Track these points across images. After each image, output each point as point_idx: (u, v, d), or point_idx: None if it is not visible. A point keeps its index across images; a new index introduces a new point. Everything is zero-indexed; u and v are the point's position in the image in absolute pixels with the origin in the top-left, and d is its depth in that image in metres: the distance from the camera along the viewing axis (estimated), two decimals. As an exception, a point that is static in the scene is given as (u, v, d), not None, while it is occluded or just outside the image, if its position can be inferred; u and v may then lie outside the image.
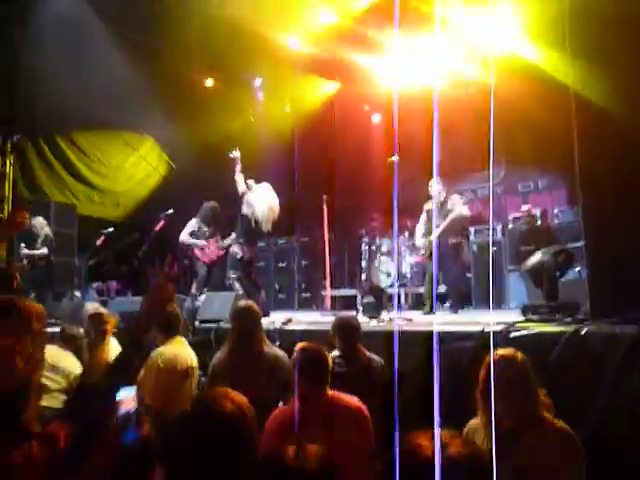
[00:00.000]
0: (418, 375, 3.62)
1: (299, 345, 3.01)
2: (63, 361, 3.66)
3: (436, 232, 6.47)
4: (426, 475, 1.11)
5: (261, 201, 6.61)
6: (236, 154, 6.70)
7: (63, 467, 1.49)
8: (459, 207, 6.53)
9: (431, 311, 6.41)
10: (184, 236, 7.03)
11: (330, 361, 2.97)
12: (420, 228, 6.94)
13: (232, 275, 6.53)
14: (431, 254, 6.63)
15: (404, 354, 3.95)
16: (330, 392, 2.84)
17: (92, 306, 4.58)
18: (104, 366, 1.93)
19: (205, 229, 7.04)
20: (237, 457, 1.34)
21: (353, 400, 2.85)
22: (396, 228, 7.98)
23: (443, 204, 6.66)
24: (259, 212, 6.55)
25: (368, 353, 3.66)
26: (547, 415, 2.37)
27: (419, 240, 6.92)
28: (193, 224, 7.06)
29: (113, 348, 3.13)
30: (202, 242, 6.96)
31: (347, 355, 3.59)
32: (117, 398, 1.73)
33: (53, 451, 1.52)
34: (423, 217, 6.96)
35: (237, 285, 6.44)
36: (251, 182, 6.79)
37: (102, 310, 4.06)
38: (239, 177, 6.66)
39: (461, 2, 7.01)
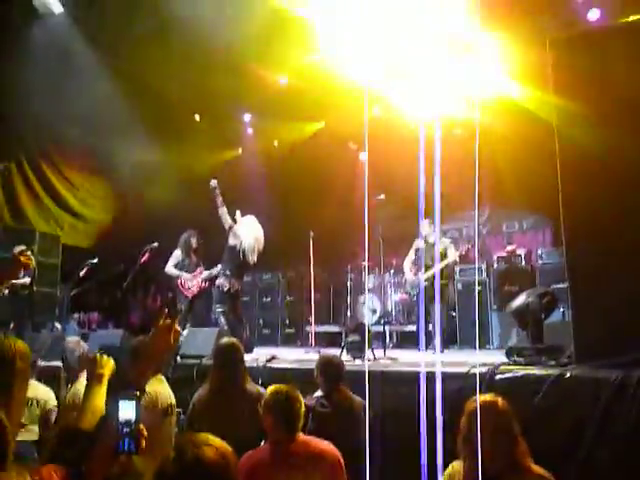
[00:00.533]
0: (401, 416, 3.60)
1: (271, 388, 2.94)
2: (38, 392, 3.58)
3: (428, 274, 6.70)
4: None
5: (247, 232, 6.57)
6: (214, 183, 6.51)
7: None
8: (451, 252, 6.82)
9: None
10: (169, 267, 6.96)
11: (305, 402, 2.93)
12: (408, 265, 7.14)
13: (218, 309, 6.43)
14: (419, 293, 6.96)
15: (389, 394, 3.92)
16: (302, 436, 2.78)
17: (73, 340, 4.49)
18: (98, 415, 1.88)
19: (187, 261, 6.98)
20: None
21: (325, 444, 2.79)
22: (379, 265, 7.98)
23: (433, 245, 6.90)
24: (246, 243, 6.52)
25: (350, 394, 3.62)
26: (527, 462, 2.34)
27: (409, 276, 7.12)
28: (177, 255, 7.01)
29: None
30: (186, 275, 6.89)
31: (330, 395, 3.54)
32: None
33: None
34: (411, 254, 7.17)
35: (222, 319, 6.36)
36: (237, 214, 6.78)
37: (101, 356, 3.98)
38: (222, 210, 6.53)
39: (446, 45, 7.18)
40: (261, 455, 2.74)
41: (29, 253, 2.99)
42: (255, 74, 8.32)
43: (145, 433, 1.70)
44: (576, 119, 3.98)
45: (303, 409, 2.85)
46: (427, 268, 6.74)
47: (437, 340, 6.74)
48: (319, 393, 3.57)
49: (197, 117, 9.94)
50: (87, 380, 2.09)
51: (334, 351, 5.19)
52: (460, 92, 8.01)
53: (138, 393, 1.74)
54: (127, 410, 1.72)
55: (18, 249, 7.55)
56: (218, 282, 6.56)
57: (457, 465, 2.50)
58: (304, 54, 8.30)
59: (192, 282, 6.87)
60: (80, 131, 8.53)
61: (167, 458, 1.37)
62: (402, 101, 8.46)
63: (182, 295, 6.91)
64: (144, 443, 1.67)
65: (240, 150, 11.07)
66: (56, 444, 1.71)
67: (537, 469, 2.33)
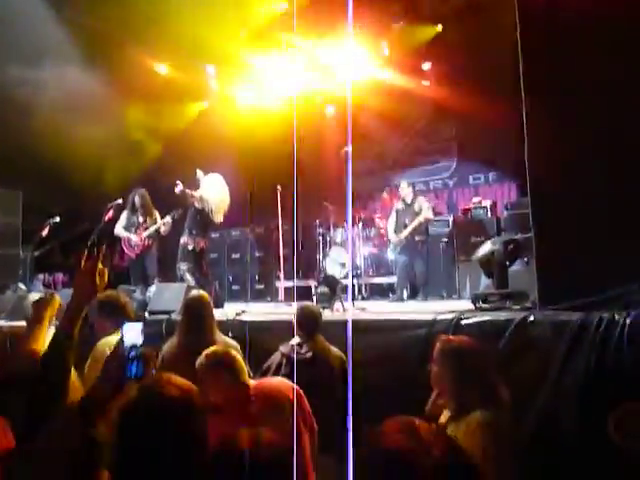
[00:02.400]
0: (373, 364, 3.66)
1: (209, 349, 2.85)
2: None
3: (405, 232, 7.31)
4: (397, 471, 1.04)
5: (214, 195, 6.51)
6: (179, 187, 6.42)
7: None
8: (426, 211, 7.32)
9: (401, 299, 7.20)
10: (117, 229, 6.85)
11: (281, 349, 2.93)
12: (391, 225, 7.65)
13: (183, 267, 6.40)
14: (402, 250, 7.40)
15: (357, 344, 3.96)
16: (253, 381, 2.76)
17: (35, 296, 4.40)
18: (35, 355, 1.84)
19: (134, 219, 6.86)
20: (187, 443, 1.30)
21: (277, 384, 2.78)
22: (349, 218, 8.03)
23: (410, 205, 7.46)
24: (213, 205, 6.46)
25: (327, 343, 3.65)
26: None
27: (392, 237, 7.59)
28: (125, 215, 6.90)
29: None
30: (130, 235, 6.77)
31: (306, 342, 3.58)
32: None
33: None
34: (393, 216, 7.69)
35: (188, 276, 6.32)
36: (200, 173, 6.67)
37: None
38: (184, 193, 6.47)
39: None
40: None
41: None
42: (219, 27, 8.08)
43: (153, 356, 1.68)
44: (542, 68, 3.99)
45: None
46: (405, 227, 7.34)
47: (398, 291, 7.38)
48: (296, 340, 3.59)
49: (162, 69, 9.62)
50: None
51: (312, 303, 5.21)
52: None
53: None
54: (132, 334, 1.70)
55: None
56: (182, 241, 6.52)
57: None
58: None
59: (136, 240, 6.77)
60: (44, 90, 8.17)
61: (132, 396, 1.36)
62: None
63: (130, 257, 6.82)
64: (152, 366, 1.66)
65: (205, 104, 10.81)
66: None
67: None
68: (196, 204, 6.49)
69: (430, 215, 7.44)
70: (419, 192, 10.18)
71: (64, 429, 1.52)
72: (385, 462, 1.07)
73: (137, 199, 6.83)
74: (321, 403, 2.85)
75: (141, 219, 6.84)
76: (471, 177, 9.88)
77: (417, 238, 7.31)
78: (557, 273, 3.81)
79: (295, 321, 3.70)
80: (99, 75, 8.35)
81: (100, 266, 1.85)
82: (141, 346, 1.70)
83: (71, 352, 1.70)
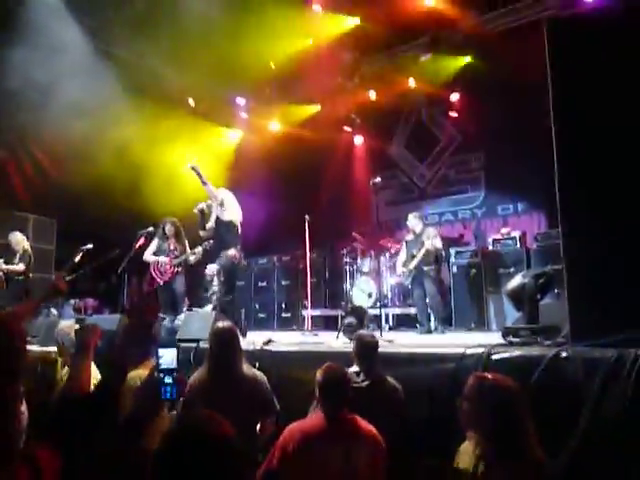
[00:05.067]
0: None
1: (324, 365, 3.09)
2: None
3: (412, 263, 7.22)
4: None
5: (237, 206, 6.63)
6: (191, 164, 6.46)
7: None
8: (429, 241, 7.09)
9: (429, 331, 7.10)
10: (146, 255, 6.98)
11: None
12: (401, 258, 7.58)
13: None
14: (413, 280, 7.30)
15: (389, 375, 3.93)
16: (350, 415, 2.93)
17: (66, 324, 4.47)
18: (87, 382, 1.88)
19: (165, 246, 6.97)
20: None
21: (372, 427, 2.93)
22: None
23: (419, 235, 7.32)
24: (239, 217, 6.58)
25: (382, 373, 3.67)
26: (533, 446, 2.30)
27: (399, 269, 7.55)
28: (155, 243, 7.03)
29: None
30: (162, 258, 6.87)
31: (364, 372, 3.60)
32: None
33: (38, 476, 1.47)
34: (403, 247, 7.64)
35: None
36: (212, 187, 6.71)
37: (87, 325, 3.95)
38: (208, 187, 6.51)
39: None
40: (313, 428, 2.89)
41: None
42: (248, 56, 8.26)
43: (184, 381, 1.72)
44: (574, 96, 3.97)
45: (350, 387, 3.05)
46: (413, 257, 7.24)
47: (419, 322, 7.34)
48: (355, 369, 3.62)
49: (191, 102, 9.85)
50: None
51: (331, 334, 5.20)
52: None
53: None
54: (167, 359, 1.74)
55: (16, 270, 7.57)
56: (230, 254, 6.47)
57: (467, 444, 2.48)
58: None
59: (165, 266, 6.86)
60: (72, 117, 8.41)
61: (169, 432, 1.36)
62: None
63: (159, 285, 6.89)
64: (186, 390, 1.70)
65: (235, 134, 11.00)
66: (53, 412, 1.71)
67: (539, 454, 2.28)
68: (225, 216, 6.52)
69: (437, 244, 7.22)
70: (446, 222, 10.19)
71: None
72: None
73: (168, 227, 6.95)
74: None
75: (172, 247, 6.94)
76: (500, 207, 9.79)
77: (425, 268, 7.16)
78: (589, 307, 3.72)
79: (353, 350, 3.75)
80: (132, 105, 8.58)
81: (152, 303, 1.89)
82: (176, 371, 1.73)
83: (122, 383, 1.74)
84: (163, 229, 6.99)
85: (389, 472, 2.88)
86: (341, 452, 2.78)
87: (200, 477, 1.28)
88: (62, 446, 1.61)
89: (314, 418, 3.00)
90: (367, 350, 3.72)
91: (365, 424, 2.93)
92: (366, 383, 3.52)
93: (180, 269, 6.88)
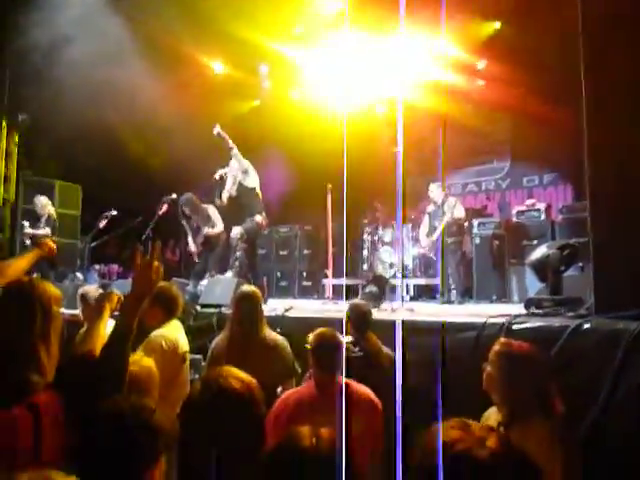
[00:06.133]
0: (421, 365, 3.63)
1: (316, 330, 3.03)
2: None
3: (435, 234, 7.26)
4: (468, 473, 1.02)
5: (255, 171, 6.71)
6: (217, 129, 6.50)
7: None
8: (451, 210, 7.13)
9: (450, 301, 7.14)
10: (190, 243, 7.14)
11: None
12: (424, 229, 7.61)
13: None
14: (436, 251, 7.36)
15: (405, 344, 3.95)
16: (345, 380, 2.82)
17: (90, 289, 4.56)
18: (98, 345, 1.92)
19: (192, 226, 7.07)
20: (246, 435, 1.33)
21: (366, 390, 2.88)
22: (400, 218, 7.99)
23: (440, 206, 7.31)
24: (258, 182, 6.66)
25: (379, 342, 3.67)
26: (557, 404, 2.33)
27: (423, 240, 7.58)
28: (187, 229, 7.18)
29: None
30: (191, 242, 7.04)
31: (359, 341, 3.60)
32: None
33: (36, 419, 1.52)
34: (425, 219, 7.66)
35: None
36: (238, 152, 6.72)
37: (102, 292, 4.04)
38: (235, 151, 6.54)
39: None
40: (301, 396, 2.83)
41: (51, 239, 3.03)
42: (273, 26, 8.17)
43: None
44: (605, 65, 3.85)
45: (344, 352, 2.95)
46: (435, 229, 7.27)
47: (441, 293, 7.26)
48: (349, 339, 3.62)
49: (215, 69, 9.79)
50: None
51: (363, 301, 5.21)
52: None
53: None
54: None
55: (41, 234, 7.68)
56: (257, 220, 6.59)
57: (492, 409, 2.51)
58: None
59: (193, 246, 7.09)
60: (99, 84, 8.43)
61: (195, 388, 1.40)
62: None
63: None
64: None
65: (257, 102, 10.93)
66: (58, 369, 1.76)
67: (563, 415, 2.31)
68: (249, 182, 6.61)
69: (459, 214, 7.22)
70: (470, 193, 10.08)
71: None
72: (439, 458, 1.05)
73: (186, 209, 6.95)
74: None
75: (196, 225, 7.02)
76: (525, 179, 9.66)
77: (449, 240, 7.17)
78: (615, 280, 3.69)
79: (348, 319, 3.72)
80: (156, 72, 8.56)
81: (156, 262, 1.90)
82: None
83: (129, 345, 1.77)
84: (183, 213, 7.01)
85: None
86: (333, 418, 2.75)
87: (222, 427, 1.32)
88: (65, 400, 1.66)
89: (307, 386, 2.95)
90: (362, 319, 3.74)
91: (360, 388, 2.86)
92: (362, 353, 3.52)
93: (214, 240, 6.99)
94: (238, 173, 6.59)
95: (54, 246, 2.95)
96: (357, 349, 3.54)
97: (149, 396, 1.86)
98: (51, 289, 1.88)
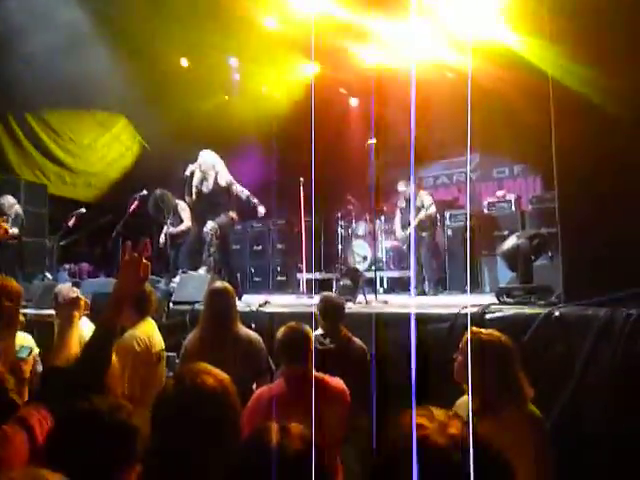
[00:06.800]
0: (394, 357, 3.65)
1: (285, 325, 3.00)
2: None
3: (409, 229, 7.46)
4: (426, 460, 1.03)
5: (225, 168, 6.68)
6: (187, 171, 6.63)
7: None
8: (424, 210, 7.29)
9: (423, 292, 7.30)
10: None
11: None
12: (398, 223, 7.78)
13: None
14: (409, 244, 7.56)
15: (380, 336, 3.97)
16: (314, 373, 2.82)
17: (65, 288, 4.46)
18: (72, 351, 1.87)
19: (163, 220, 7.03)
20: (220, 433, 1.32)
21: (338, 382, 2.86)
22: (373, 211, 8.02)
23: (412, 201, 7.44)
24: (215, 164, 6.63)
25: (350, 334, 3.66)
26: (526, 398, 2.35)
27: (399, 234, 7.77)
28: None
29: (85, 333, 3.04)
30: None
31: (329, 334, 3.59)
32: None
33: (28, 434, 1.49)
34: (398, 213, 7.82)
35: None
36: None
37: (74, 294, 3.96)
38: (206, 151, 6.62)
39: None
40: (273, 391, 2.80)
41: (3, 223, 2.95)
42: (244, 18, 8.07)
43: None
44: (573, 66, 3.92)
45: (313, 345, 2.92)
46: (409, 224, 7.47)
47: (412, 285, 7.67)
48: (319, 331, 3.61)
49: (184, 62, 9.66)
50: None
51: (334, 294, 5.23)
52: (453, 35, 7.89)
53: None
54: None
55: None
56: (231, 215, 6.63)
57: (464, 398, 2.52)
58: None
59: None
60: (65, 81, 8.25)
61: (167, 385, 1.38)
62: (396, 44, 8.36)
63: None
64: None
65: (226, 96, 10.83)
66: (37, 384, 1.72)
67: (532, 408, 2.33)
68: (222, 181, 6.57)
69: (432, 211, 7.40)
70: (442, 185, 10.16)
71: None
72: (402, 446, 1.05)
73: (160, 205, 6.87)
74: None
75: (169, 220, 6.96)
76: (495, 170, 9.76)
77: (423, 234, 7.31)
78: (583, 268, 3.77)
79: (318, 312, 3.71)
80: (124, 67, 8.44)
81: (144, 259, 1.84)
82: None
83: (112, 343, 1.73)
84: (156, 208, 6.91)
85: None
86: (304, 412, 2.74)
87: (196, 425, 1.30)
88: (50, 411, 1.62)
89: (279, 381, 2.93)
90: (333, 311, 3.74)
91: (332, 380, 2.86)
92: (333, 345, 3.52)
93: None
94: (209, 169, 6.53)
95: (6, 226, 2.86)
96: (327, 341, 3.53)
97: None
98: (7, 282, 1.83)
